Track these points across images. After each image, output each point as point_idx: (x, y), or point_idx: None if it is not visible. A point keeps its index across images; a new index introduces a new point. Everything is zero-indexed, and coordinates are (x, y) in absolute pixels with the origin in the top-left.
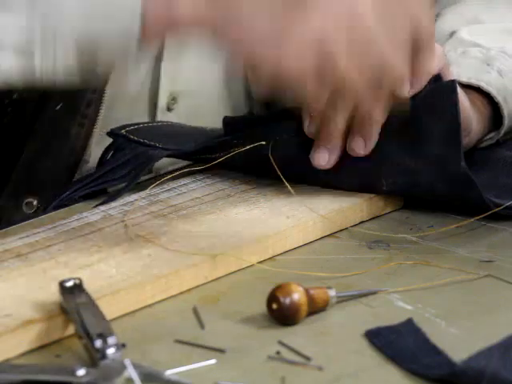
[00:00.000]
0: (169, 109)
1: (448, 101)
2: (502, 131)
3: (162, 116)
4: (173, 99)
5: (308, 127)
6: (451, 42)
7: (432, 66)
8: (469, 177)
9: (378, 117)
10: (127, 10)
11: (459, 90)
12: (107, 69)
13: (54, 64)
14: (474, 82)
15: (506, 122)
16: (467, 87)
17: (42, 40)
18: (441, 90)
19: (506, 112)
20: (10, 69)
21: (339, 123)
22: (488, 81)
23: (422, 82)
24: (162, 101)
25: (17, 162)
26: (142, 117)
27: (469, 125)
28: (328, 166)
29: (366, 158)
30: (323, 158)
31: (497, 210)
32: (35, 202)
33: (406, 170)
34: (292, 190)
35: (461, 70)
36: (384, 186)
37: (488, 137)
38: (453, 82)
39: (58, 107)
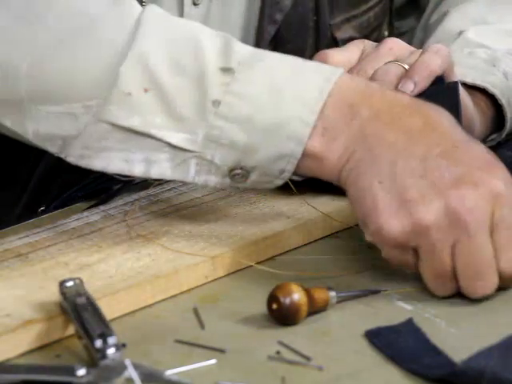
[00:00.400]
0: (195, 3)
1: (450, 101)
2: (504, 133)
3: (190, 10)
4: None
5: None
6: (458, 42)
7: (435, 66)
8: None
9: None
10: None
11: (463, 90)
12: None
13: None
14: (479, 83)
15: (509, 125)
16: (472, 88)
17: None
18: (443, 91)
19: (509, 114)
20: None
21: None
22: (493, 82)
23: (425, 81)
24: None
25: (33, 173)
26: (169, 12)
27: (472, 125)
28: None
29: None
30: None
31: None
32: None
33: None
34: (294, 188)
35: (466, 71)
36: None
37: (490, 138)
38: (455, 83)
39: None
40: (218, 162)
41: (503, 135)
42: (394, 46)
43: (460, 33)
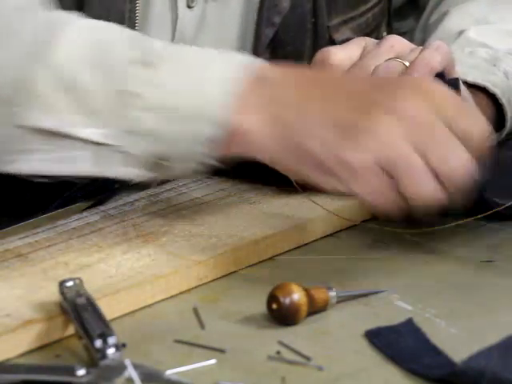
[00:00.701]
0: (189, 6)
1: None
2: (504, 133)
3: (184, 13)
4: None
5: None
6: (459, 41)
7: (435, 62)
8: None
9: None
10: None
11: (464, 89)
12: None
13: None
14: (479, 82)
15: (509, 124)
16: (473, 87)
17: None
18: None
19: (509, 114)
20: None
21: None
22: (494, 82)
23: (423, 75)
24: None
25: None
26: (163, 16)
27: None
28: None
29: None
30: None
31: (497, 209)
32: None
33: None
34: (299, 188)
35: (467, 70)
36: None
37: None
38: (456, 79)
39: None
40: (139, 153)
41: (503, 135)
42: (396, 43)
43: (460, 32)
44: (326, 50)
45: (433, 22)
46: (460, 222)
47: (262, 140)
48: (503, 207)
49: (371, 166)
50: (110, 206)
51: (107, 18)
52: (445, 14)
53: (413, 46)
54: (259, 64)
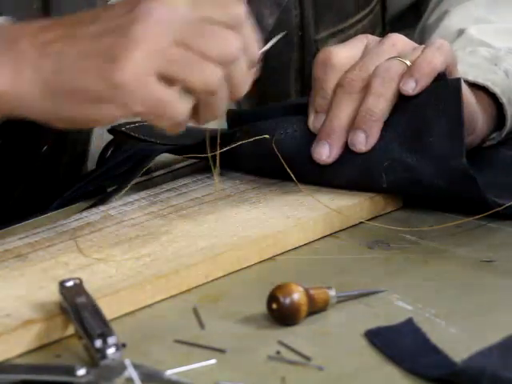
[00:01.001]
0: None
1: (452, 98)
2: (504, 132)
3: None
4: None
5: (313, 122)
6: (460, 40)
7: (437, 62)
8: (469, 173)
9: (380, 113)
10: None
11: (466, 88)
12: None
13: None
14: (480, 81)
15: (509, 124)
16: (473, 86)
17: None
18: (445, 87)
19: (509, 113)
20: None
21: (343, 120)
22: (494, 81)
23: (427, 78)
24: None
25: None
26: None
27: (474, 123)
28: (329, 161)
29: (367, 154)
30: (325, 153)
31: (497, 209)
32: None
33: (407, 166)
34: (299, 185)
35: (468, 69)
36: (384, 182)
37: (490, 137)
38: (458, 79)
39: None
40: None
41: (503, 134)
42: (398, 41)
43: (461, 31)
44: (328, 49)
45: (432, 22)
46: (459, 221)
47: (23, 96)
48: (503, 207)
49: (144, 78)
50: (110, 206)
51: None
52: (445, 13)
53: (415, 44)
54: (7, 26)
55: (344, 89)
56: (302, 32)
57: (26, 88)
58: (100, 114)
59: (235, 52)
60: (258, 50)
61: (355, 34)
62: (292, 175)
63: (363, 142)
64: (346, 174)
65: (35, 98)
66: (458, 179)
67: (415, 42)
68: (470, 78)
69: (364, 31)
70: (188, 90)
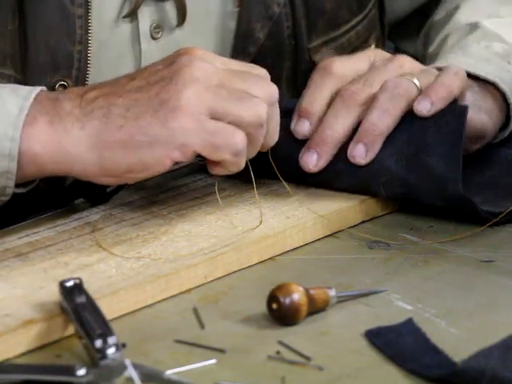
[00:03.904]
0: (153, 38)
1: (456, 123)
2: (508, 131)
3: (148, 45)
4: (157, 27)
5: (295, 126)
6: (475, 34)
7: (455, 88)
8: (467, 199)
9: (384, 128)
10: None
11: (479, 92)
12: None
13: None
14: (490, 78)
15: None
16: (485, 82)
17: None
18: (452, 112)
19: None
20: None
21: (337, 131)
22: (504, 79)
23: (443, 102)
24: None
25: None
26: (125, 44)
27: (485, 132)
28: (315, 170)
29: (365, 167)
30: (312, 162)
31: (495, 220)
32: None
33: (405, 183)
34: (289, 188)
35: (481, 64)
36: (383, 194)
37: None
38: (466, 107)
39: None
40: None
41: (506, 134)
42: (405, 62)
43: (473, 25)
44: (331, 60)
45: (441, 18)
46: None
47: (70, 155)
48: (501, 216)
49: (198, 116)
50: (110, 206)
51: (54, 60)
52: (455, 8)
53: (423, 67)
54: (42, 92)
55: (344, 100)
56: (295, 41)
57: (72, 146)
58: (154, 158)
59: (276, 94)
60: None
61: (348, 41)
62: (282, 180)
63: (363, 156)
64: (345, 183)
65: (84, 155)
66: (456, 202)
67: (420, 44)
68: (482, 74)
69: (358, 37)
70: (239, 125)
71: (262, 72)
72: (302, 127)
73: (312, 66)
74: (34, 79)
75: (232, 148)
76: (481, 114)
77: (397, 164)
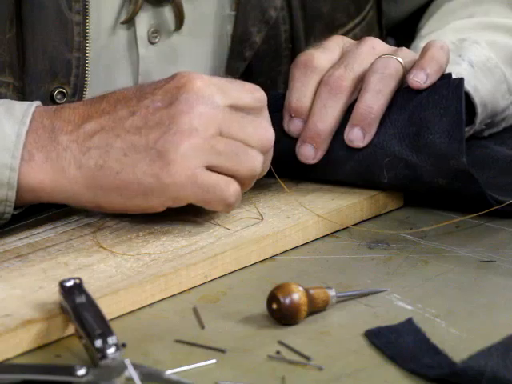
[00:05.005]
0: (151, 42)
1: (453, 97)
2: (478, 120)
3: (146, 50)
4: (154, 32)
5: (288, 126)
6: (423, 34)
7: (443, 61)
8: (469, 172)
9: (379, 109)
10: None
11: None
12: None
13: None
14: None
15: (480, 111)
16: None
17: None
18: (447, 86)
19: (477, 100)
20: None
21: (329, 123)
22: (458, 72)
23: (436, 74)
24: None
25: None
26: (122, 49)
27: None
28: (314, 162)
29: (367, 151)
30: (310, 155)
31: (497, 207)
32: None
33: (407, 163)
34: (286, 188)
35: None
36: (385, 178)
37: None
38: (461, 79)
39: None
40: None
41: (477, 122)
42: (376, 44)
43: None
44: (310, 52)
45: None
46: (459, 219)
47: (66, 190)
48: (502, 205)
49: (194, 171)
50: None
51: (52, 67)
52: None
53: (393, 47)
54: (37, 114)
55: (330, 88)
56: (292, 45)
57: (69, 184)
58: (149, 204)
59: (271, 138)
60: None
61: None
62: (279, 180)
63: (361, 139)
64: (347, 169)
65: (79, 192)
66: (458, 177)
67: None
68: None
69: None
70: (233, 177)
71: (261, 96)
72: (295, 127)
73: None
74: (33, 86)
75: (225, 202)
76: None
77: (400, 144)
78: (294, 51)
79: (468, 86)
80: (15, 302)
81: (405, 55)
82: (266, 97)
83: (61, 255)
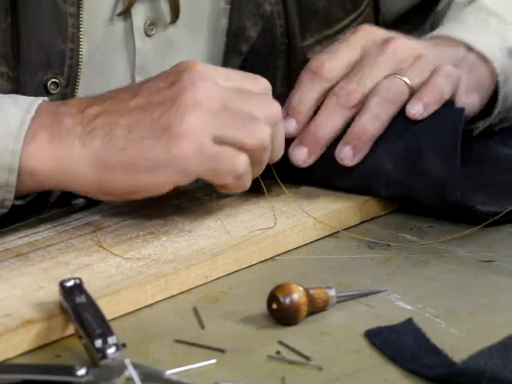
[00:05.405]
0: (148, 35)
1: (452, 127)
2: (496, 111)
3: (143, 43)
4: (151, 24)
5: (284, 123)
6: (472, 7)
7: (446, 92)
8: (465, 204)
9: (373, 133)
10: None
11: (474, 63)
12: None
13: None
14: (486, 52)
15: (500, 103)
16: (480, 56)
17: None
18: (447, 115)
19: (502, 92)
20: None
21: (329, 132)
22: (498, 58)
23: (435, 105)
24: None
25: None
26: (118, 42)
27: (473, 111)
28: (304, 166)
29: (364, 171)
30: (302, 158)
31: (494, 218)
32: None
33: (404, 186)
34: (285, 189)
35: (477, 38)
36: (383, 194)
37: (476, 125)
38: (461, 110)
39: None
40: None
41: (495, 113)
42: (398, 48)
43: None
44: (322, 59)
45: (442, 8)
46: (459, 235)
47: (71, 173)
48: (500, 216)
49: (201, 142)
50: (110, 206)
51: (46, 57)
52: None
53: (415, 52)
54: (43, 104)
55: (338, 100)
56: (288, 40)
57: (72, 164)
58: (155, 182)
59: (279, 113)
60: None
61: None
62: (279, 181)
63: (350, 158)
64: (346, 184)
65: (82, 173)
66: (455, 205)
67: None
68: (478, 46)
69: None
70: (241, 149)
71: (264, 84)
72: (288, 125)
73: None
74: (27, 76)
75: (234, 172)
76: (472, 96)
77: (394, 168)
78: (290, 47)
79: (501, 76)
80: (15, 301)
81: (417, 72)
82: (269, 85)
83: (61, 254)
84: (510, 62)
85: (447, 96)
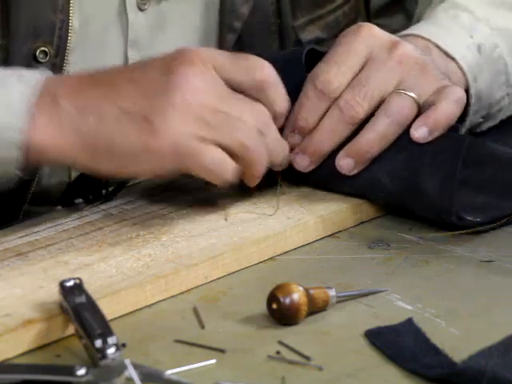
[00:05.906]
0: (140, 9)
1: (452, 152)
2: (471, 108)
3: (135, 17)
4: None
5: (288, 137)
6: (445, 5)
7: (453, 117)
8: (461, 226)
9: (377, 151)
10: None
11: (441, 60)
12: None
13: None
14: (450, 51)
15: (473, 101)
16: (446, 54)
17: None
18: (449, 140)
19: (473, 91)
20: None
21: (332, 146)
22: (464, 55)
23: (440, 130)
24: None
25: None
26: (111, 15)
27: None
28: (305, 171)
29: (363, 182)
30: (303, 165)
31: (494, 225)
32: None
33: (401, 199)
34: (284, 190)
35: (444, 34)
36: (379, 200)
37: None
38: (464, 137)
39: None
40: None
41: (470, 114)
42: (404, 56)
43: None
44: (327, 79)
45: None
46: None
47: (65, 153)
48: (499, 223)
49: (180, 142)
50: (111, 205)
51: (35, 27)
52: None
53: (420, 61)
54: (47, 81)
55: (343, 115)
56: (280, 19)
57: (66, 144)
58: (138, 170)
59: (267, 116)
60: (284, 112)
61: (336, 21)
62: (279, 181)
63: (350, 169)
64: (344, 190)
65: (75, 153)
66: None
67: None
68: (442, 45)
69: (345, 17)
70: (228, 152)
71: (262, 76)
72: (295, 141)
73: (299, 46)
74: (16, 45)
75: (204, 169)
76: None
77: (391, 183)
78: (282, 26)
79: (469, 74)
80: (15, 301)
81: (425, 89)
82: (271, 75)
83: (61, 254)
84: (480, 59)
85: (453, 122)
